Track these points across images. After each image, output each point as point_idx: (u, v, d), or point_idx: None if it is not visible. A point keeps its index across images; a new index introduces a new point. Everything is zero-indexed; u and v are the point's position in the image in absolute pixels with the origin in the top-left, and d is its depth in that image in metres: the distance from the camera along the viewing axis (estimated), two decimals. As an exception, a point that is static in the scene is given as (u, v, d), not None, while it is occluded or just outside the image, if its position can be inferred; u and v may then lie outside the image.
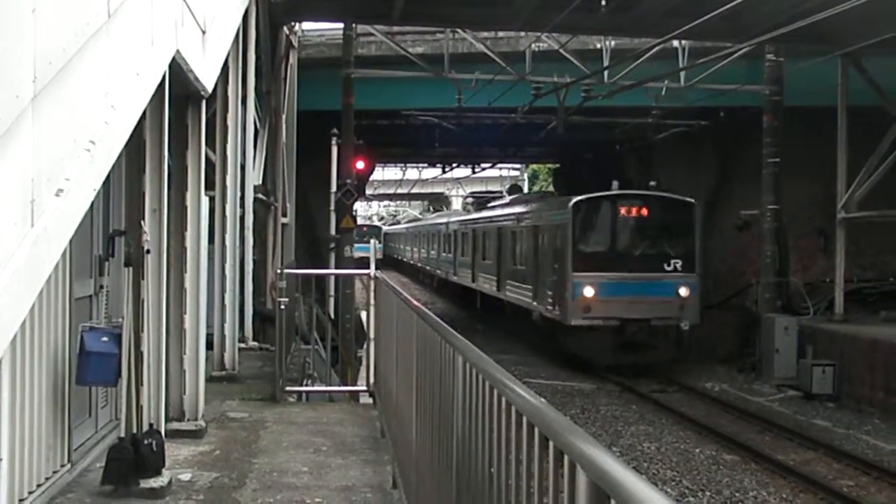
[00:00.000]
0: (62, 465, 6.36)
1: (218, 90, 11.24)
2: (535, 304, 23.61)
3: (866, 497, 11.82)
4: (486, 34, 24.07)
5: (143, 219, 6.40)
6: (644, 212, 21.67)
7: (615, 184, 22.30)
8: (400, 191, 69.27)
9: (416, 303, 5.56)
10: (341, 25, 22.47)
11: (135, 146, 6.17)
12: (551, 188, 54.38)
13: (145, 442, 6.23)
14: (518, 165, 63.70)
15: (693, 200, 21.86)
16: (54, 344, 6.18)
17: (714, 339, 23.74)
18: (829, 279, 22.26)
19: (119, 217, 7.35)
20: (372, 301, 10.10)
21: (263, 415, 9.35)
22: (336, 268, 20.70)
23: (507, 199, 35.10)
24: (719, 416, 16.56)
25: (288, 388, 10.64)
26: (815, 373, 18.43)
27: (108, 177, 4.61)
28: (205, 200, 8.43)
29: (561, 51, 21.88)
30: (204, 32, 7.22)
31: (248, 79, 14.05)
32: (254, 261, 15.34)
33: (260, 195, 16.11)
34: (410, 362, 5.53)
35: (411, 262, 57.38)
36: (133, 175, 6.56)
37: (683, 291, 20.56)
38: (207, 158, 9.14)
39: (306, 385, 12.28)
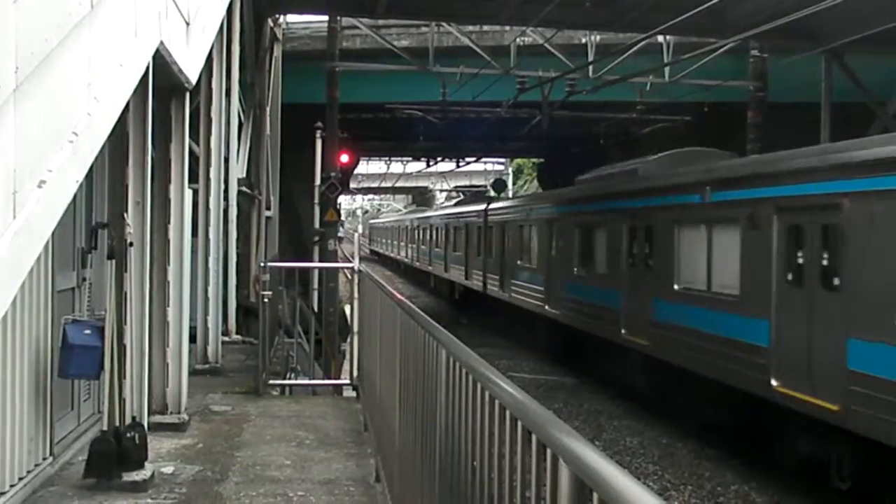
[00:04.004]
0: (44, 459, 6.33)
1: (202, 82, 11.20)
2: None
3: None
4: (471, 28, 24.06)
5: (127, 211, 6.37)
6: None
7: None
8: (384, 184, 69.25)
9: (399, 296, 5.56)
10: (326, 18, 22.41)
11: (118, 138, 6.13)
12: (535, 183, 54.50)
13: (128, 435, 6.21)
14: (503, 160, 63.77)
15: None
16: (36, 337, 6.15)
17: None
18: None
19: (102, 209, 7.32)
20: (356, 294, 10.10)
21: (246, 408, 9.34)
22: (320, 261, 20.67)
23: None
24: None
25: (271, 382, 10.63)
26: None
27: (90, 169, 4.58)
28: (188, 193, 8.40)
29: (546, 45, 21.88)
30: (188, 24, 7.19)
31: (232, 71, 14.01)
32: (237, 254, 15.31)
33: (244, 188, 16.07)
34: (394, 356, 5.53)
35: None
36: (116, 167, 6.54)
37: None
38: (191, 151, 9.11)
39: (290, 378, 12.27)
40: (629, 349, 16.02)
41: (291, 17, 24.85)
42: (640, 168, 17.12)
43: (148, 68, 6.05)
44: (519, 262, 24.33)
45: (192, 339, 10.60)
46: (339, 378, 15.71)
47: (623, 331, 16.04)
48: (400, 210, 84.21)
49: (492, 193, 47.60)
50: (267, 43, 19.92)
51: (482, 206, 29.84)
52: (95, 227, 6.87)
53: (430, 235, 40.69)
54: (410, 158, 53.67)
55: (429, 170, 52.30)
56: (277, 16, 21.13)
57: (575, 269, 19.26)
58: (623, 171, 17.99)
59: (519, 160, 64.83)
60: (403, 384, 5.06)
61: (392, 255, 61.20)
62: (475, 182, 68.62)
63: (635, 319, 15.64)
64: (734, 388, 12.21)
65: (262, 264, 11.54)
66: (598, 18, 19.46)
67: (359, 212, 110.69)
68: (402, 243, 53.40)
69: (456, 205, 39.04)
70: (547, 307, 21.20)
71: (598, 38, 23.42)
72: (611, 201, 17.37)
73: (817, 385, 10.35)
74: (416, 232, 45.77)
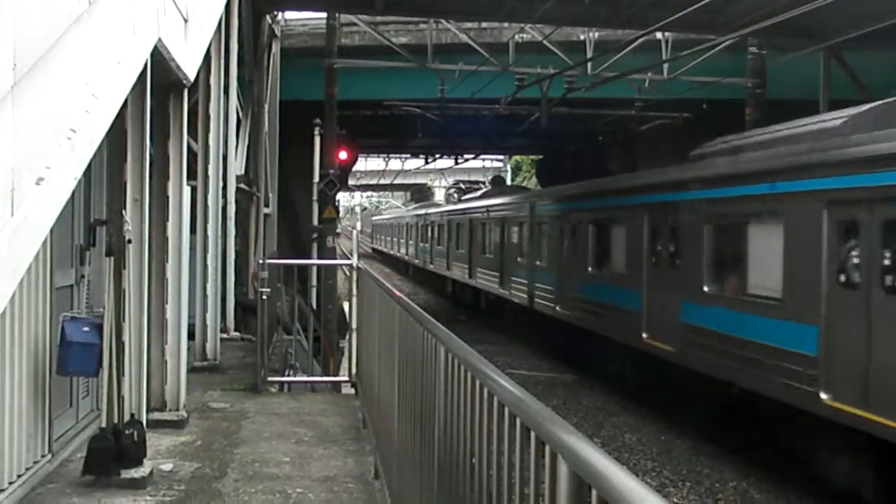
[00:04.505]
0: (43, 456, 6.34)
1: (200, 79, 11.20)
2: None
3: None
4: (469, 25, 24.05)
5: (125, 208, 6.37)
6: None
7: None
8: (382, 181, 69.15)
9: (398, 293, 5.56)
10: (324, 15, 22.39)
11: (116, 135, 6.14)
12: (534, 179, 54.42)
13: (126, 432, 6.21)
14: (501, 156, 63.76)
15: None
16: (35, 334, 6.15)
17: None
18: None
19: (100, 206, 7.32)
20: (354, 291, 10.10)
21: (245, 405, 9.34)
22: (318, 258, 20.67)
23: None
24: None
25: (270, 379, 10.63)
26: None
27: (89, 166, 4.58)
28: (187, 190, 8.40)
29: (544, 42, 21.88)
30: (186, 21, 7.18)
31: (230, 68, 14.00)
32: (236, 251, 15.31)
33: (242, 185, 16.07)
34: (392, 352, 5.53)
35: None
36: (114, 164, 6.54)
37: None
38: (189, 148, 9.12)
39: (288, 375, 12.27)
40: (832, 422, 10.03)
41: (290, 14, 24.85)
42: (846, 125, 11.09)
43: (146, 65, 6.05)
44: (590, 270, 18.17)
45: (191, 336, 10.60)
46: (337, 375, 15.71)
47: (824, 394, 9.95)
48: (399, 207, 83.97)
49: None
50: (265, 40, 19.90)
51: (526, 198, 24.31)
52: (94, 224, 6.88)
53: (449, 234, 34.10)
54: (409, 155, 53.58)
55: (427, 167, 52.18)
56: (276, 12, 21.11)
57: (704, 287, 13.15)
58: (807, 132, 11.83)
59: (517, 157, 64.81)
60: (402, 381, 5.06)
61: (398, 254, 54.27)
62: (474, 179, 68.52)
63: (856, 379, 9.51)
64: None
65: (260, 261, 11.55)
66: (596, 15, 19.45)
67: (357, 209, 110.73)
68: (411, 242, 46.41)
69: (482, 197, 32.93)
70: (645, 336, 15.02)
71: (596, 34, 23.44)
72: (787, 180, 11.12)
73: None
74: (430, 229, 39.25)
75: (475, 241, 29.17)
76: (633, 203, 16.30)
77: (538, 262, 21.83)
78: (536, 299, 21.69)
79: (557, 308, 19.95)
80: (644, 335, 14.97)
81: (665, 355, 14.22)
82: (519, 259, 23.51)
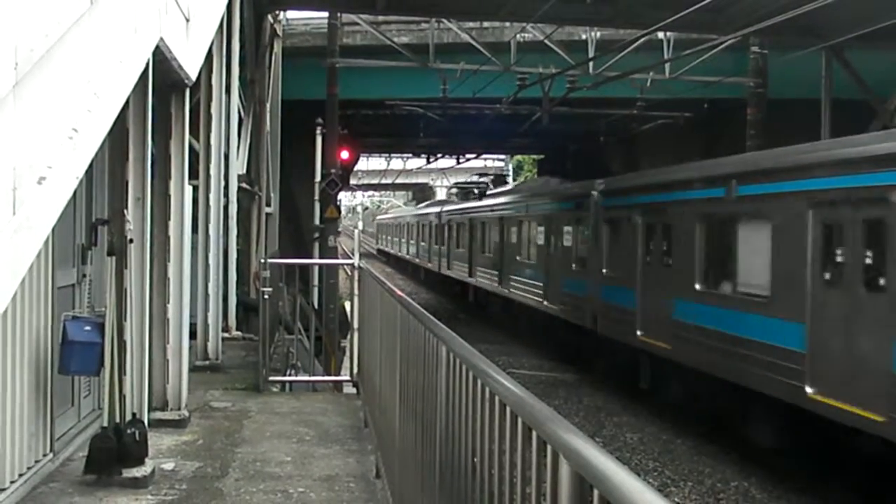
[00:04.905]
0: (44, 455, 6.34)
1: (202, 79, 11.19)
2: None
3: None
4: (471, 24, 24.06)
5: (127, 208, 6.37)
6: None
7: None
8: (384, 181, 69.18)
9: (399, 293, 5.56)
10: (326, 14, 22.40)
11: (118, 134, 6.13)
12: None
13: (128, 431, 6.21)
14: (503, 156, 63.76)
15: None
16: (36, 333, 6.15)
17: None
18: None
19: (102, 206, 7.32)
20: (356, 291, 10.09)
21: (247, 404, 9.34)
22: (320, 257, 20.68)
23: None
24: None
25: (271, 378, 10.63)
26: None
27: (90, 165, 4.58)
28: (188, 190, 8.40)
29: (546, 41, 21.88)
30: (188, 20, 7.18)
31: (232, 67, 13.99)
32: (238, 250, 15.30)
33: (244, 185, 16.06)
34: (394, 352, 5.53)
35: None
36: (116, 164, 6.54)
37: None
38: (191, 147, 9.10)
39: (290, 375, 12.27)
40: None
41: (291, 14, 24.84)
42: None
43: (148, 65, 6.04)
44: (699, 287, 13.45)
45: (192, 335, 10.59)
46: (339, 375, 15.70)
47: None
48: (400, 206, 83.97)
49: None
50: (267, 39, 19.89)
51: (589, 187, 18.46)
52: (95, 223, 6.87)
53: (472, 234, 29.62)
54: (410, 155, 53.61)
55: (429, 166, 52.21)
56: (277, 12, 21.10)
57: None
58: None
59: (519, 157, 64.82)
60: (403, 381, 5.06)
61: (406, 256, 49.84)
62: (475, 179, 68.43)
63: None
64: None
65: (262, 261, 11.55)
66: (598, 14, 19.44)
67: (359, 208, 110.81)
68: (423, 243, 41.61)
69: (516, 190, 28.84)
70: (811, 391, 10.38)
71: (598, 34, 23.44)
72: None
73: None
74: (447, 229, 34.58)
75: (507, 243, 25.03)
76: (781, 191, 11.44)
77: (605, 271, 17.28)
78: (602, 320, 17.22)
79: (642, 335, 15.22)
80: (809, 389, 10.40)
81: (857, 424, 9.53)
82: (574, 266, 19.11)
